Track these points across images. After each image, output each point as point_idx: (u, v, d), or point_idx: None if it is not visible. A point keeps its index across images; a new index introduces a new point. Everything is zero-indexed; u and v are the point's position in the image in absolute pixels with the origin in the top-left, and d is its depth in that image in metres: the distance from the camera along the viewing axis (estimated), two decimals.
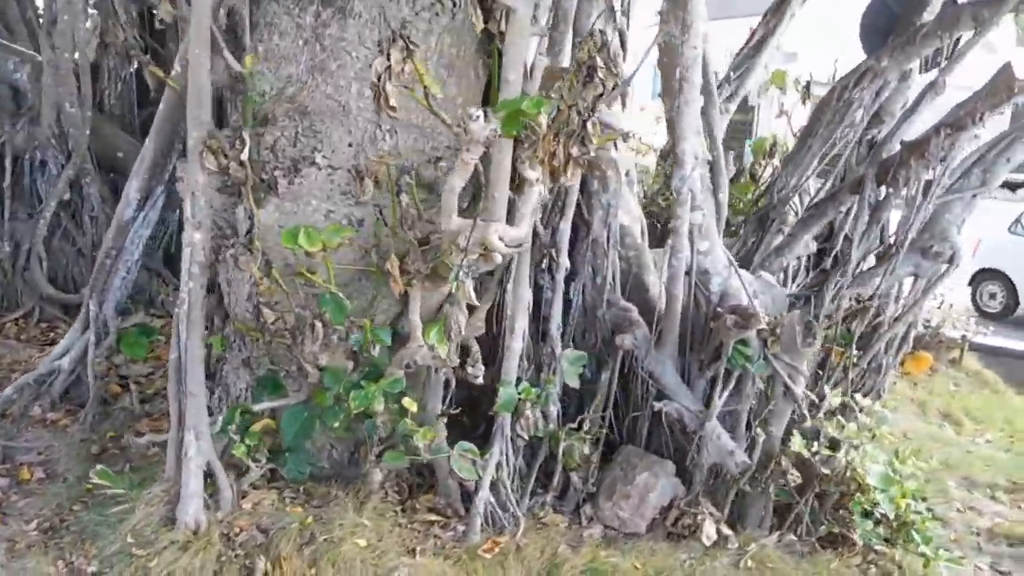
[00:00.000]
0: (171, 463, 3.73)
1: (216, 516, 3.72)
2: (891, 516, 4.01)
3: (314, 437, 4.18)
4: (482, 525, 3.99)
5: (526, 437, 4.11)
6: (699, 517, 4.04)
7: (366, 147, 3.60)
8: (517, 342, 4.06)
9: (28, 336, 6.04)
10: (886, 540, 4.14)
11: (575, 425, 4.24)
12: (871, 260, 5.81)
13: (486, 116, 2.91)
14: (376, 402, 3.70)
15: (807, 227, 5.97)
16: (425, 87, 3.03)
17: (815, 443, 4.11)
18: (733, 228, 7.00)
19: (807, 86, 7.52)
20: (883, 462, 4.19)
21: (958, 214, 5.55)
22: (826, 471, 4.01)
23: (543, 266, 4.41)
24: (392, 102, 2.98)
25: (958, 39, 5.73)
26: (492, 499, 4.02)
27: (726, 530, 4.09)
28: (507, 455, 4.10)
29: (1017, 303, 10.58)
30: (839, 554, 4.11)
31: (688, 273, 4.14)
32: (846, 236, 5.58)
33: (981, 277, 10.83)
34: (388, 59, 2.89)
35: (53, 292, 6.19)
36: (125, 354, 4.72)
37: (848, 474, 4.03)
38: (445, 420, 4.08)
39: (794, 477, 4.04)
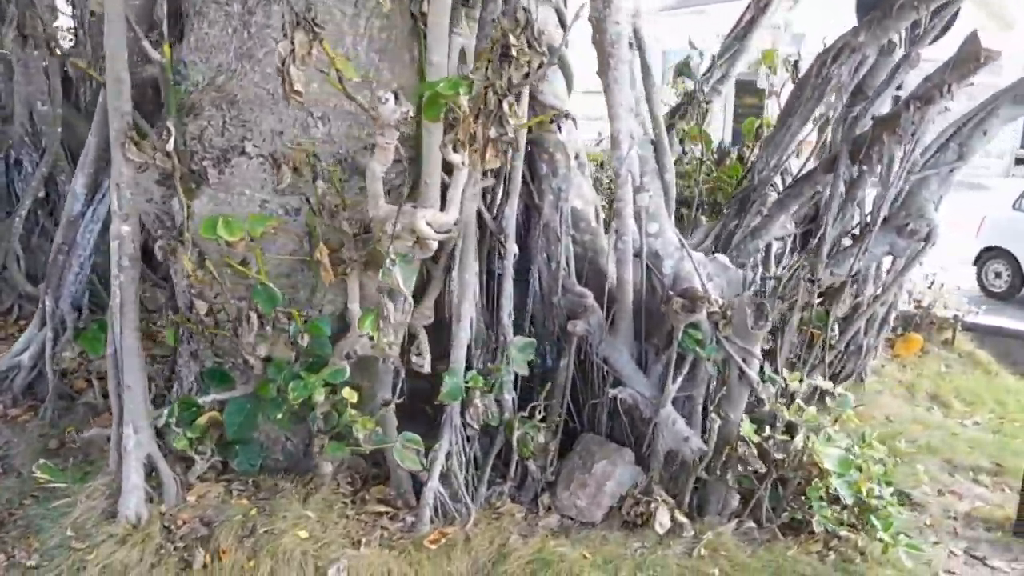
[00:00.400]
0: (113, 457, 3.72)
1: (160, 509, 3.72)
2: (849, 501, 3.91)
3: (267, 429, 4.17)
4: (433, 516, 3.95)
5: (476, 426, 4.05)
6: (652, 505, 3.96)
7: (298, 135, 3.55)
8: (464, 330, 3.99)
9: (6, 334, 6.08)
10: (851, 526, 4.05)
11: (527, 413, 4.17)
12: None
13: (397, 99, 2.84)
14: (316, 393, 3.67)
15: (783, 208, 5.87)
16: (338, 70, 2.96)
17: (770, 428, 4.01)
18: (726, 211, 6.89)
19: (795, 64, 7.35)
20: (846, 446, 4.09)
21: (935, 190, 5.42)
22: (780, 456, 3.91)
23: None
24: (297, 87, 2.93)
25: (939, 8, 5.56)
26: (442, 490, 3.97)
27: (681, 518, 4.01)
28: (458, 445, 4.05)
29: (1023, 282, 10.32)
30: (799, 541, 4.01)
31: (638, 256, 4.06)
32: None
33: (986, 256, 10.58)
34: (292, 43, 2.85)
35: (31, 290, 6.20)
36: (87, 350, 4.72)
37: (807, 459, 3.93)
38: (396, 410, 4.03)
39: (754, 463, 3.95)
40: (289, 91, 2.89)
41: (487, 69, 3.01)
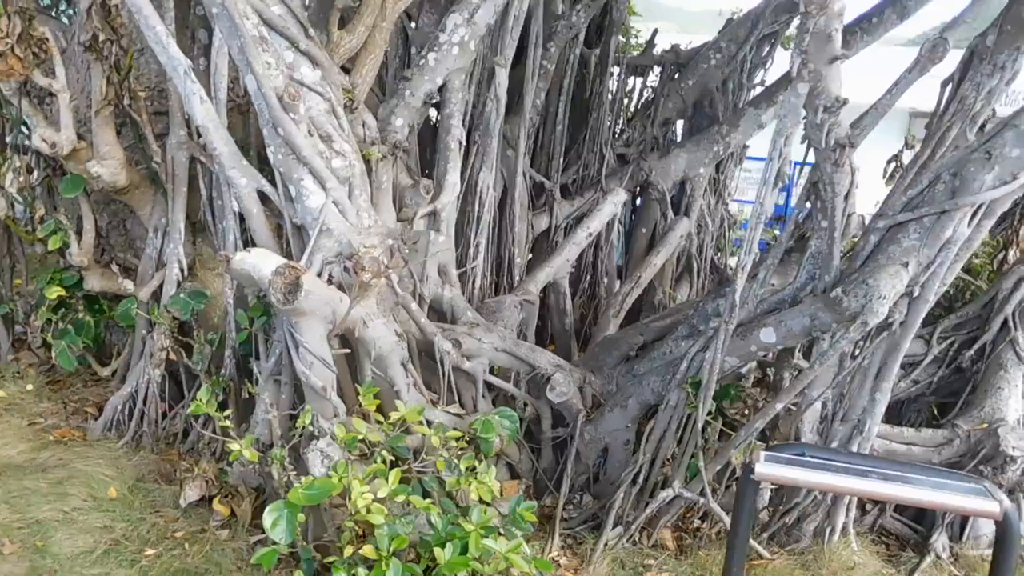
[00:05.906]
0: None
1: None
2: None
3: None
4: (112, 429, 4.22)
5: (156, 360, 4.15)
6: (188, 473, 3.56)
7: None
8: (172, 267, 4.15)
9: None
10: None
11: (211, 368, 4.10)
12: None
13: None
14: (48, 291, 4.34)
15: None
16: None
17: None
18: None
19: None
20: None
21: (912, 247, 3.38)
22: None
23: None
24: None
25: None
26: (123, 410, 4.22)
27: (219, 506, 3.52)
28: (150, 374, 4.20)
29: None
30: None
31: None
32: None
33: None
34: None
35: None
36: None
37: None
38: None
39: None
40: None
41: None
